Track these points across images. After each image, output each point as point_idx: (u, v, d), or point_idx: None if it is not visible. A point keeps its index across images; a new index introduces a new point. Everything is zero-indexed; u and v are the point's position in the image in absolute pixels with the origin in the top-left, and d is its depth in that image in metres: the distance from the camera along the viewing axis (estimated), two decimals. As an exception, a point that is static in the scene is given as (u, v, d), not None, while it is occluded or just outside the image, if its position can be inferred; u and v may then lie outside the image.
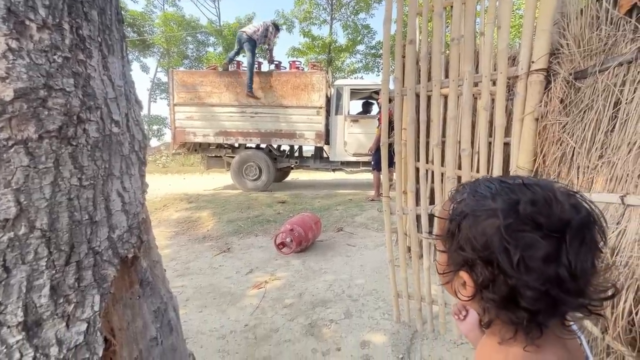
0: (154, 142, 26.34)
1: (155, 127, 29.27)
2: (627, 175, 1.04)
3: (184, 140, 6.92)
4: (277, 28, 7.03)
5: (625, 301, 0.93)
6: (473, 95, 1.71)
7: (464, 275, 0.43)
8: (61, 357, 0.42)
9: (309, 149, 8.23)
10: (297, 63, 7.42)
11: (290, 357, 1.71)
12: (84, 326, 0.44)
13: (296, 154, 7.89)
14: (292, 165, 7.61)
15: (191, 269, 3.01)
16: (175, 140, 6.93)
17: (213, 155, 7.63)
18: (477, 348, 0.48)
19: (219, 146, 7.43)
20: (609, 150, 1.11)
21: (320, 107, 6.67)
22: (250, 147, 7.43)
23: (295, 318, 2.11)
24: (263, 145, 7.36)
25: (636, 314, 0.93)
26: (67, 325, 0.43)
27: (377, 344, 1.83)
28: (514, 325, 0.41)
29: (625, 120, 1.07)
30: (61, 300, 0.43)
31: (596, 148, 1.15)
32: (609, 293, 0.40)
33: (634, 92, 1.05)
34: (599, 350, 1.13)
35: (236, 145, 7.41)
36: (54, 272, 0.44)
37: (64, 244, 0.44)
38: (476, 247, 0.41)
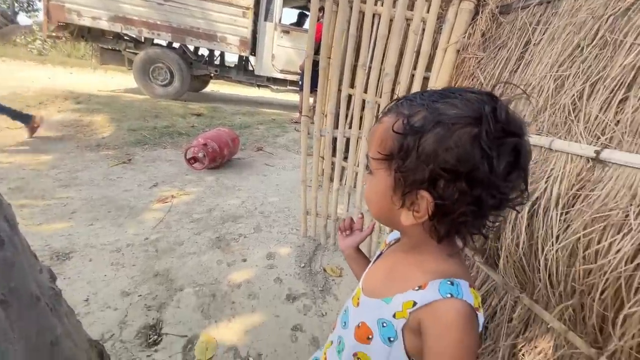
0: (22, 19, 20.09)
1: (22, -3, 21.91)
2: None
3: (63, 20, 5.33)
4: None
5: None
6: (406, 19, 1.61)
7: (424, 194, 0.40)
8: None
9: (232, 59, 7.33)
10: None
11: (193, 267, 1.71)
12: None
13: (216, 62, 6.96)
14: (212, 74, 6.76)
15: (80, 179, 2.60)
16: (50, 19, 5.29)
17: (109, 47, 6.19)
18: (425, 255, 0.48)
19: (117, 37, 6.01)
20: (508, 90, 1.19)
21: (248, 8, 5.76)
22: (159, 45, 6.22)
23: (202, 232, 2.07)
24: (176, 45, 6.23)
25: (498, 238, 1.12)
26: None
27: (282, 255, 1.94)
28: (465, 237, 0.44)
29: (529, 62, 1.13)
30: None
31: (499, 87, 1.22)
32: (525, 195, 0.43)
33: (544, 33, 1.09)
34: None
35: (141, 39, 6.09)
36: None
37: None
38: (446, 160, 0.37)
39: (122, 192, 2.51)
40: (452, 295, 0.41)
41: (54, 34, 5.70)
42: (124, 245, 1.83)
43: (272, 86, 6.83)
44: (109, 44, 6.15)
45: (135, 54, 5.95)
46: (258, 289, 1.62)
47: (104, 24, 5.50)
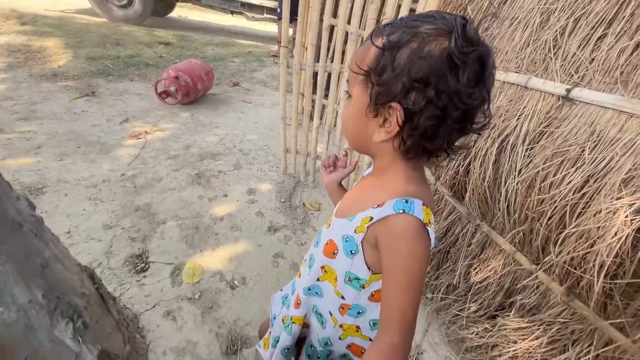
0: None
1: None
2: (499, 51, 1.13)
3: None
4: None
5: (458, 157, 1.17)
6: None
7: (395, 104, 0.43)
8: None
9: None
10: None
11: (175, 202, 1.73)
12: None
13: (183, -20, 6.12)
14: (178, -4, 5.98)
15: (39, 112, 2.41)
16: None
17: (50, -46, 5.22)
18: (389, 177, 0.51)
19: (58, -59, 5.04)
20: (495, 24, 1.16)
21: None
22: (112, -45, 5.31)
23: (181, 169, 2.05)
24: (131, -44, 5.34)
25: (462, 166, 1.19)
26: None
27: (263, 191, 1.99)
28: (429, 153, 0.47)
29: (519, -8, 1.08)
30: None
31: (486, 19, 1.18)
32: (488, 121, 0.46)
33: (538, -40, 1.03)
34: (429, 193, 1.49)
35: (88, -55, 5.16)
36: None
37: None
38: (418, 70, 0.40)
39: (90, 127, 2.37)
40: (404, 211, 0.45)
41: None
42: (100, 180, 1.80)
43: (248, 13, 6.19)
44: (49, -49, 5.18)
45: (84, -35, 5.09)
46: (240, 222, 1.69)
47: None
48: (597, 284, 0.75)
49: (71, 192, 1.66)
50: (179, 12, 7.88)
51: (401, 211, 0.45)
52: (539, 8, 0.98)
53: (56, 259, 0.71)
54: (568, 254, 0.82)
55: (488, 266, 1.13)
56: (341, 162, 0.79)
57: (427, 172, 1.39)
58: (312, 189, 2.11)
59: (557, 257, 0.84)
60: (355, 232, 0.51)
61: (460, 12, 1.34)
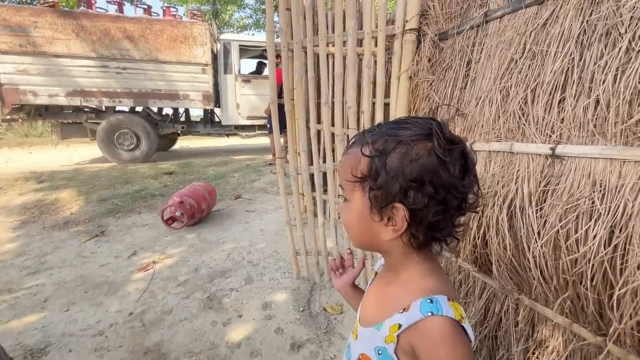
0: (-27, 106, 19.46)
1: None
2: (474, 125, 1.23)
3: (18, 102, 5.25)
4: None
5: (471, 229, 1.14)
6: (358, 55, 1.74)
7: (398, 205, 0.44)
8: None
9: (197, 113, 7.44)
10: (172, 10, 6.32)
11: (187, 335, 1.59)
12: None
13: (182, 118, 7.03)
14: (179, 131, 6.77)
15: (49, 263, 2.43)
16: (4, 103, 5.20)
17: (69, 121, 6.11)
18: (405, 274, 0.50)
19: (77, 109, 5.96)
20: (462, 105, 1.29)
21: (206, 65, 5.97)
22: (122, 111, 6.22)
23: (191, 295, 1.96)
24: (139, 109, 6.26)
25: (478, 238, 1.15)
26: None
27: (278, 302, 1.86)
28: (440, 241, 0.49)
29: (474, 78, 1.24)
30: None
31: (454, 103, 1.32)
32: (478, 203, 0.49)
33: (480, 52, 1.22)
34: (453, 270, 1.40)
35: (102, 108, 6.08)
36: None
37: None
38: (412, 171, 0.43)
39: (98, 267, 2.35)
40: (432, 314, 0.43)
41: (9, 117, 5.58)
42: (107, 326, 1.69)
43: (241, 133, 6.92)
44: (68, 118, 6.07)
45: (98, 123, 5.89)
46: (259, 345, 1.52)
47: (62, 100, 5.46)
48: (682, 350, 0.64)
49: (76, 346, 1.54)
50: (180, 143, 8.80)
51: (429, 314, 0.43)
52: (496, 87, 1.11)
53: None
54: (631, 318, 0.72)
55: (547, 347, 0.98)
56: (348, 262, 0.77)
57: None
58: (330, 290, 1.98)
59: (619, 324, 0.74)
60: (386, 342, 0.47)
61: (427, 100, 1.50)
